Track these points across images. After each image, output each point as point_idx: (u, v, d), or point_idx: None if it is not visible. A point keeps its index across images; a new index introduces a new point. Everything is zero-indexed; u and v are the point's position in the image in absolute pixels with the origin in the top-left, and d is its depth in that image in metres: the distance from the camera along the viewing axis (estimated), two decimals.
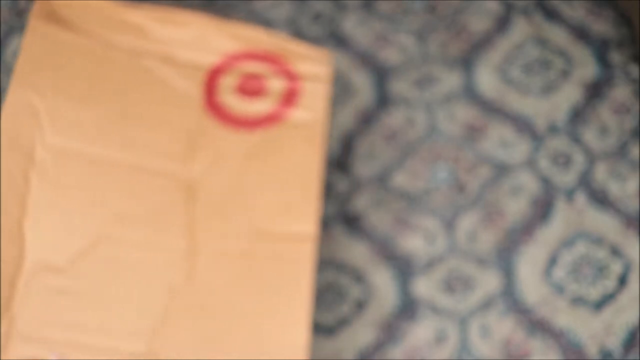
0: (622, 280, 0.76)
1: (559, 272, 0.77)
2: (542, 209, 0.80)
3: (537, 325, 0.75)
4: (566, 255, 0.78)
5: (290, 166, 0.65)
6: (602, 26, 0.87)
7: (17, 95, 0.60)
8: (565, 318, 0.75)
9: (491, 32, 0.87)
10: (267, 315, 0.59)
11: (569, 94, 0.84)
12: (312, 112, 0.67)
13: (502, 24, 0.88)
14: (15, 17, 0.86)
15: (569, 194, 0.80)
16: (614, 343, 0.74)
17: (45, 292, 0.55)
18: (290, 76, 0.68)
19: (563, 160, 0.82)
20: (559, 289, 0.76)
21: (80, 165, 0.60)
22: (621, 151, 0.82)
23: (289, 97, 0.67)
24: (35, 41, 0.62)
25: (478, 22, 0.88)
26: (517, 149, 0.82)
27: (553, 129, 0.83)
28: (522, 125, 0.83)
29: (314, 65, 0.69)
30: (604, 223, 0.79)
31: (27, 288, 0.55)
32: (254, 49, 0.68)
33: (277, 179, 0.64)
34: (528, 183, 0.81)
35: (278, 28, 0.87)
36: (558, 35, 0.87)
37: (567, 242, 0.78)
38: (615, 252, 0.77)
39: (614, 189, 0.80)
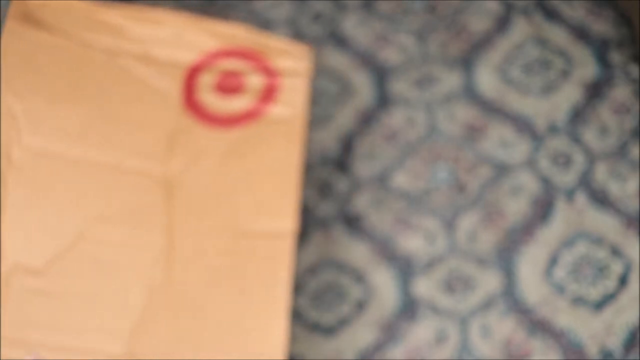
0: (623, 280, 0.76)
1: (560, 272, 0.77)
2: (542, 209, 0.79)
3: (538, 325, 0.75)
4: (566, 255, 0.78)
5: (269, 163, 0.65)
6: (602, 26, 0.87)
7: None
8: (565, 318, 0.75)
9: (491, 32, 0.87)
10: (246, 313, 0.59)
11: (569, 94, 0.84)
12: (291, 108, 0.67)
13: (502, 24, 0.88)
14: None
15: (569, 194, 0.80)
16: (615, 343, 0.74)
17: (22, 293, 0.55)
18: (269, 72, 0.68)
19: (563, 160, 0.82)
20: (560, 289, 0.76)
21: (57, 165, 0.60)
22: (621, 151, 0.82)
23: (268, 94, 0.67)
24: (12, 42, 0.62)
25: (478, 22, 0.88)
26: (517, 149, 0.82)
27: (553, 129, 0.83)
28: (522, 125, 0.83)
29: (293, 61, 0.69)
30: (604, 223, 0.79)
31: (4, 290, 0.55)
32: (232, 46, 0.68)
33: (256, 176, 0.64)
34: (528, 183, 0.81)
35: (278, 28, 0.87)
36: (558, 35, 0.87)
37: (568, 242, 0.78)
38: (616, 252, 0.77)
39: (614, 189, 0.80)
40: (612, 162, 0.81)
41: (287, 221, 0.63)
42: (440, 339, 0.75)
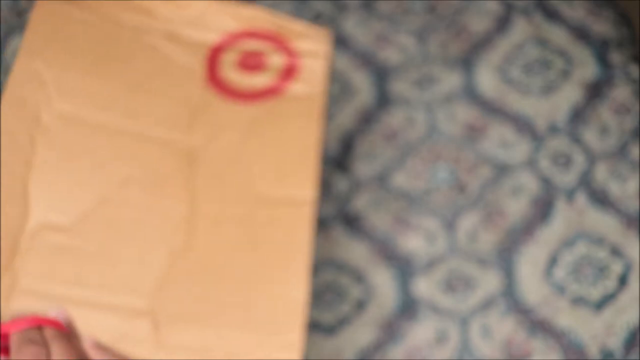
0: (623, 280, 0.76)
1: (560, 272, 0.77)
2: (543, 209, 0.79)
3: (538, 326, 0.75)
4: (567, 255, 0.78)
5: (289, 136, 0.66)
6: (602, 26, 0.87)
7: (24, 63, 0.62)
8: (566, 318, 0.75)
9: (491, 32, 0.87)
10: (266, 278, 0.61)
11: (569, 94, 0.84)
12: (310, 87, 0.69)
13: (502, 24, 0.88)
14: (16, 17, 0.86)
15: (569, 194, 0.80)
16: (615, 343, 0.74)
17: (48, 248, 0.57)
18: (290, 53, 0.70)
19: (563, 160, 0.82)
20: (560, 289, 0.76)
21: (84, 130, 0.62)
22: (621, 151, 0.82)
23: (288, 72, 0.69)
24: (43, 16, 0.65)
25: (478, 22, 0.88)
26: (517, 149, 0.82)
27: (553, 129, 0.83)
28: (522, 125, 0.83)
29: (313, 43, 0.71)
30: (604, 223, 0.78)
31: (30, 244, 0.57)
32: (254, 28, 0.70)
33: (276, 148, 0.66)
34: (528, 183, 0.81)
35: None
36: (558, 35, 0.87)
37: (568, 242, 0.78)
38: (616, 252, 0.77)
39: (614, 189, 0.80)
40: (612, 162, 0.81)
41: (307, 190, 0.64)
42: (441, 338, 0.74)
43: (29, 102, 0.61)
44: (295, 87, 0.68)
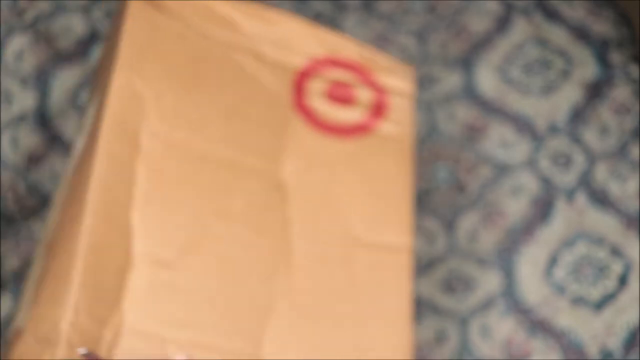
0: (623, 281, 0.76)
1: (560, 272, 0.77)
2: (543, 209, 0.79)
3: (538, 326, 0.75)
4: (567, 255, 0.78)
5: (382, 177, 0.64)
6: (602, 26, 0.87)
7: (122, 79, 0.58)
8: (566, 318, 0.75)
9: (491, 32, 0.87)
10: (369, 320, 0.59)
11: (569, 94, 0.84)
12: (401, 126, 0.67)
13: (502, 24, 0.88)
14: (16, 17, 0.86)
15: (569, 194, 0.80)
16: (615, 343, 0.74)
17: (155, 286, 0.53)
18: (377, 88, 0.68)
19: (563, 161, 0.82)
20: (560, 289, 0.76)
21: (183, 156, 0.58)
22: (621, 151, 0.82)
23: (378, 109, 0.67)
24: (136, 24, 0.60)
25: (478, 22, 0.88)
26: (517, 149, 0.82)
27: (553, 129, 0.83)
28: (522, 125, 0.83)
29: (399, 80, 0.69)
30: (605, 223, 0.78)
31: (136, 281, 0.53)
32: (339, 56, 0.68)
33: (369, 188, 0.63)
34: (528, 183, 0.81)
35: None
36: (558, 35, 0.87)
37: (568, 242, 0.78)
38: (616, 252, 0.77)
39: (614, 189, 0.80)
40: (612, 162, 0.81)
41: (405, 236, 0.63)
42: (440, 338, 0.74)
43: (129, 124, 0.57)
44: (386, 126, 0.66)
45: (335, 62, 0.67)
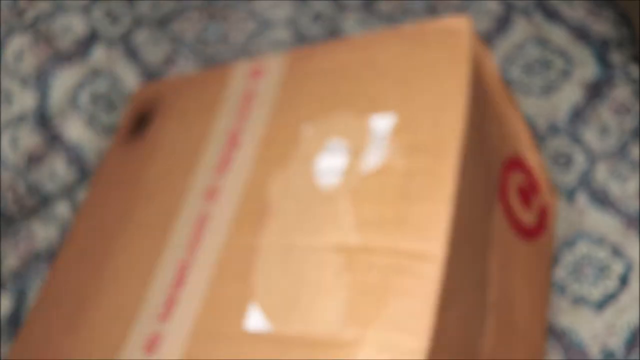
0: (623, 280, 0.76)
1: (560, 272, 0.77)
2: None
3: None
4: (567, 255, 0.77)
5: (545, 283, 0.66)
6: (602, 26, 0.87)
7: None
8: (566, 318, 0.75)
9: (491, 32, 0.87)
10: None
11: (569, 94, 0.84)
12: (552, 238, 0.70)
13: (502, 24, 0.88)
14: (16, 17, 0.86)
15: (569, 194, 0.80)
16: (616, 343, 0.73)
17: None
18: (542, 199, 0.70)
19: (563, 161, 0.82)
20: (560, 289, 0.76)
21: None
22: (621, 151, 0.82)
23: (543, 219, 0.68)
24: None
25: (478, 22, 0.88)
26: None
27: (553, 129, 0.83)
28: None
29: (551, 195, 0.74)
30: (605, 223, 0.78)
31: None
32: (525, 160, 0.68)
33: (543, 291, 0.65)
34: None
35: (278, 28, 0.87)
36: (558, 35, 0.87)
37: (568, 242, 0.78)
38: (616, 252, 0.77)
39: (615, 189, 0.80)
40: (612, 162, 0.81)
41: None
42: None
43: None
44: (543, 240, 0.68)
45: (520, 164, 0.67)
